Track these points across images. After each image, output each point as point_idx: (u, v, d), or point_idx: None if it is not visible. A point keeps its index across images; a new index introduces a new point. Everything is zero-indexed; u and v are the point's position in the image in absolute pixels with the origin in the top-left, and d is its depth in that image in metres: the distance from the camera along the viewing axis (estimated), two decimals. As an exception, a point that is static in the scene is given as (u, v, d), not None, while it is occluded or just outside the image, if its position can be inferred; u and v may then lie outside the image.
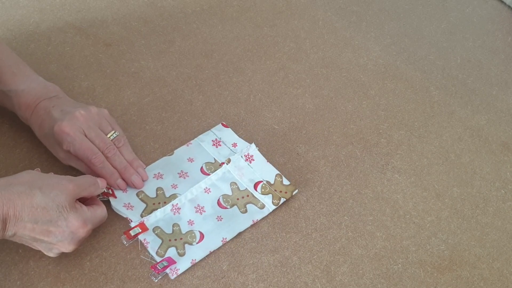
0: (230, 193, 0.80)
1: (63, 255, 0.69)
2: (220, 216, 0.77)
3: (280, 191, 0.81)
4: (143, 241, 0.72)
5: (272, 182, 0.82)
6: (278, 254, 0.74)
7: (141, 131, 0.88)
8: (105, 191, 0.75)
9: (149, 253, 0.71)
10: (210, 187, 0.80)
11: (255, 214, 0.78)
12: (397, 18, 1.25)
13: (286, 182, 0.82)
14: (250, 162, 0.84)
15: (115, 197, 0.76)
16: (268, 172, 0.83)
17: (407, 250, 0.77)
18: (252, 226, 0.77)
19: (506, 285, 0.75)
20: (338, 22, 1.20)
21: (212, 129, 0.89)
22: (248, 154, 0.84)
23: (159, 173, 0.81)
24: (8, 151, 0.82)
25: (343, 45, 1.14)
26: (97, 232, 0.73)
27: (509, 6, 1.36)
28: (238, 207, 0.78)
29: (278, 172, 0.83)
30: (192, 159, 0.84)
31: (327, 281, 0.72)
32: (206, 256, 0.72)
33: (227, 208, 0.78)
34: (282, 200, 0.80)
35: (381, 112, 0.99)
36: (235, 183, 0.81)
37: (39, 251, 0.64)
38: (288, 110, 0.96)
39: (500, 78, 1.12)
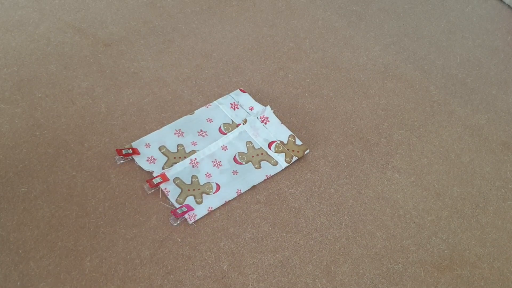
0: (245, 151, 0.86)
1: (63, 255, 0.69)
2: (236, 171, 0.83)
3: (293, 150, 0.87)
4: (164, 190, 0.78)
5: (285, 142, 0.88)
6: (278, 254, 0.74)
7: (141, 131, 0.88)
8: (128, 151, 0.80)
9: (170, 200, 0.77)
10: (227, 144, 0.86)
11: (268, 169, 0.84)
12: (397, 18, 1.25)
13: (298, 142, 0.88)
14: (265, 124, 0.90)
15: (139, 154, 0.81)
16: (282, 133, 0.89)
17: (408, 250, 0.77)
18: (252, 226, 0.77)
19: (507, 284, 0.75)
20: (337, 21, 1.20)
21: (231, 94, 0.95)
22: (263, 116, 0.90)
23: (180, 130, 0.87)
24: (8, 151, 0.82)
25: (342, 44, 1.13)
26: (97, 232, 0.73)
27: (508, 6, 1.36)
28: (252, 163, 0.84)
29: (291, 133, 0.89)
30: (211, 119, 0.90)
31: (327, 281, 0.72)
32: (209, 253, 0.72)
33: (243, 164, 0.84)
34: (294, 158, 0.85)
35: (381, 111, 0.99)
36: (251, 142, 0.87)
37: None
38: (288, 110, 0.96)
39: (499, 77, 1.12)
